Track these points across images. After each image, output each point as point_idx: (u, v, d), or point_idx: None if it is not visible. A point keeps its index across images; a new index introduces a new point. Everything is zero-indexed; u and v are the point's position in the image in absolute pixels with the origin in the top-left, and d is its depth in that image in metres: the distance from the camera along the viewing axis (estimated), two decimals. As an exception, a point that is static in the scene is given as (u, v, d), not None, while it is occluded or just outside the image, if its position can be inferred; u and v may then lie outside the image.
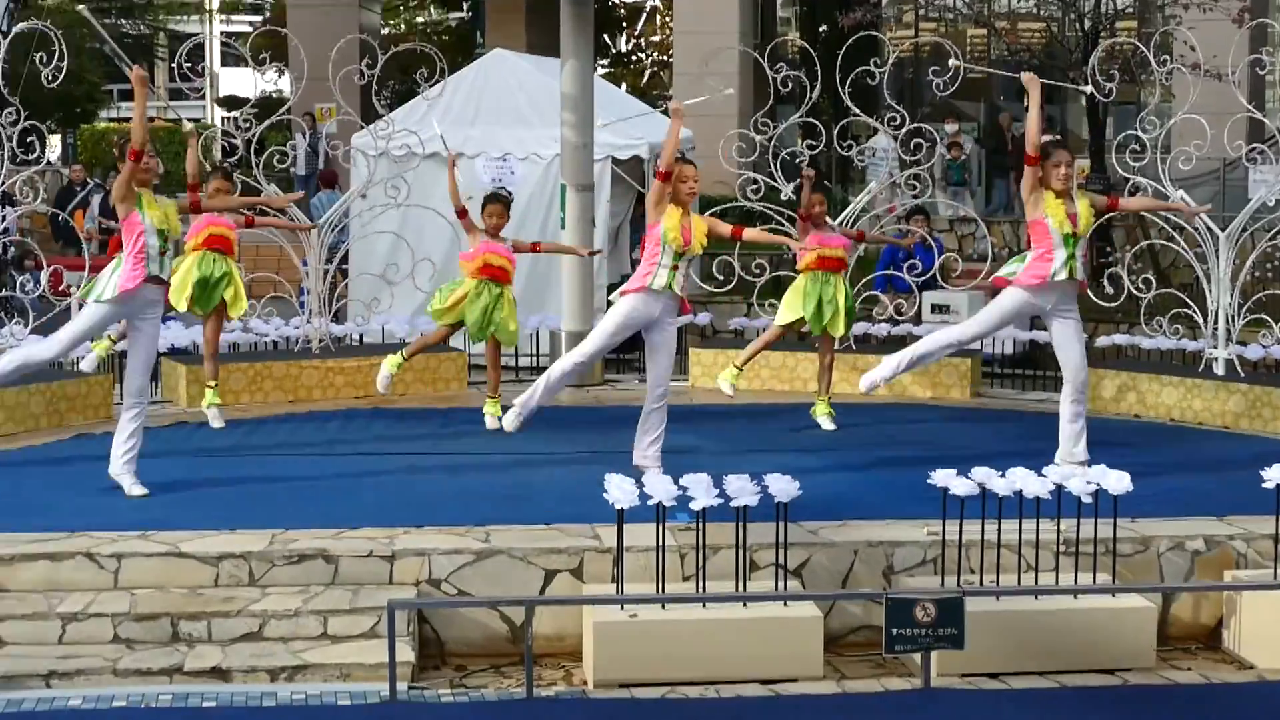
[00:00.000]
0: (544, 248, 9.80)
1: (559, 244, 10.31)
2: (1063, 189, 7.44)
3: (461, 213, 9.19)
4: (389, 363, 9.12)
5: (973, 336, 7.84)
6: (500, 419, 9.18)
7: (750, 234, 7.86)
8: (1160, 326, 10.08)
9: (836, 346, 10.00)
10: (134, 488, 7.31)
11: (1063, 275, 7.42)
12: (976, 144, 19.51)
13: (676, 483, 6.18)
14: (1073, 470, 6.58)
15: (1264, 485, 6.40)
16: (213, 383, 9.25)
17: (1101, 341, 10.81)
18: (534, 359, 11.27)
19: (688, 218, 7.43)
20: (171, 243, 7.29)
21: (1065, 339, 7.58)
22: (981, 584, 6.37)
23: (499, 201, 9.10)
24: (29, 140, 9.19)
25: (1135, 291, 9.81)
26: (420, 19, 31.88)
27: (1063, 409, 7.64)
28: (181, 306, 9.14)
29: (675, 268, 7.37)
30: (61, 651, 5.99)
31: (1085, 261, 7.58)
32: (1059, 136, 7.84)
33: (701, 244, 7.47)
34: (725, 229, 7.65)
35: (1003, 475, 6.31)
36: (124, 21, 31.84)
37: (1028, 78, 7.66)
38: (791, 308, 9.18)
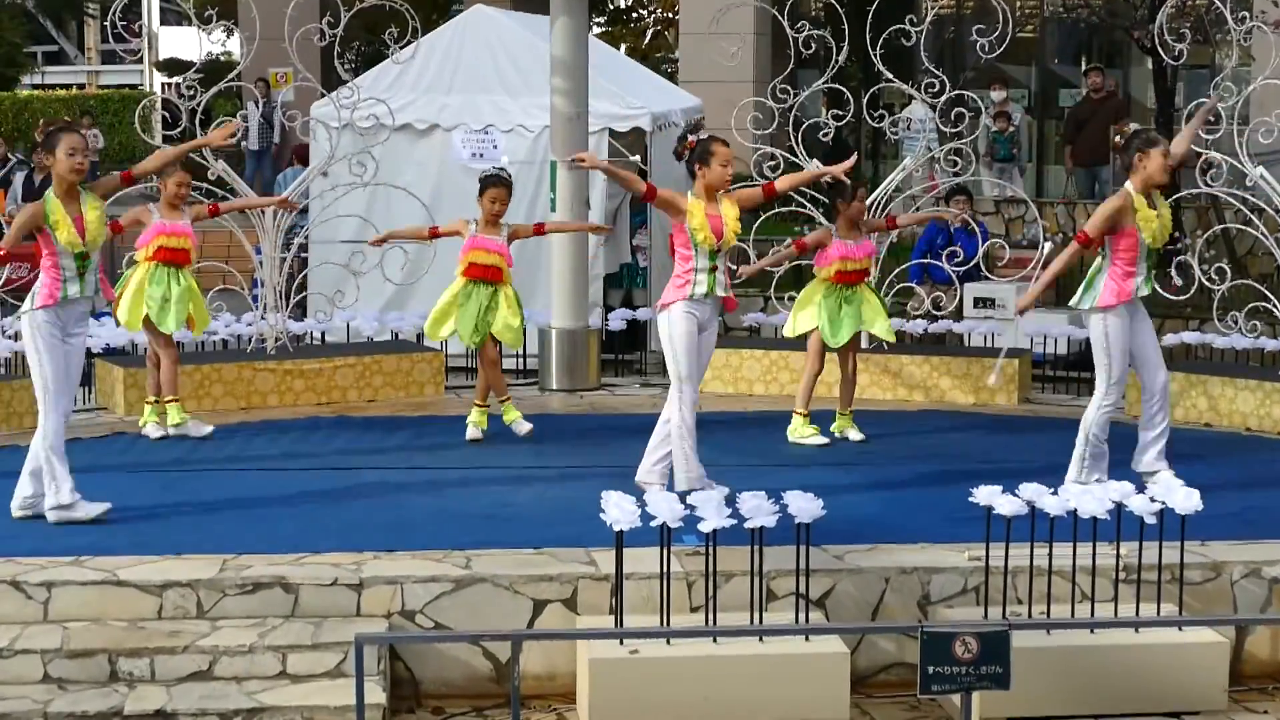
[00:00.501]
0: (549, 228, 9.79)
1: (564, 222, 10.35)
2: (1158, 184, 7.58)
3: (433, 234, 9.24)
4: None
5: (1118, 393, 7.78)
6: (484, 430, 9.28)
7: (783, 184, 7.91)
8: (1235, 323, 10.14)
9: (866, 345, 10.07)
10: (92, 508, 7.34)
11: (1145, 291, 7.66)
12: (1027, 114, 19.57)
13: (683, 501, 6.25)
14: (1134, 485, 6.63)
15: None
16: (154, 399, 9.31)
17: (1168, 340, 10.84)
18: (520, 359, 11.34)
19: (714, 204, 7.49)
20: (95, 256, 7.27)
21: (1145, 339, 7.75)
22: (1030, 616, 6.44)
23: (500, 185, 9.01)
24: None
25: (1207, 283, 9.87)
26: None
27: (1145, 418, 7.82)
28: (135, 327, 9.23)
29: (714, 268, 7.46)
30: (-16, 693, 6.05)
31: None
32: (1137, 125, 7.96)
33: (735, 231, 7.55)
34: (756, 194, 7.73)
35: (1054, 492, 6.38)
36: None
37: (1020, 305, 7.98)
38: (806, 318, 9.22)
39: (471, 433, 9.24)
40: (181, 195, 9.28)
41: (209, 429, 9.21)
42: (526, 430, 9.08)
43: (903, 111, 15.51)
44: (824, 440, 9.11)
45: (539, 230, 9.52)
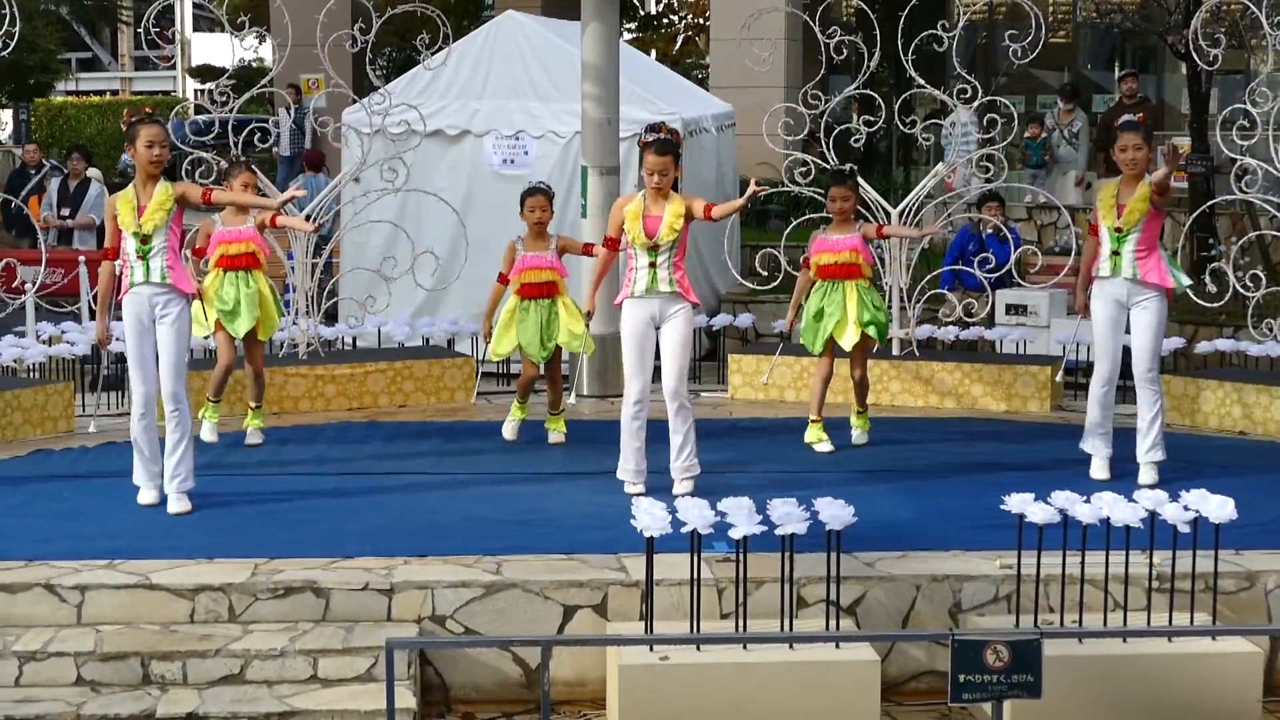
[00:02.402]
0: (595, 252, 9.46)
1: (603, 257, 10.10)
2: (1127, 174, 8.03)
3: (504, 281, 9.11)
4: (513, 412, 9.33)
5: (1108, 370, 8.25)
6: (564, 434, 9.34)
7: (718, 211, 7.79)
8: (1270, 330, 10.09)
9: (897, 351, 10.06)
10: (176, 503, 7.58)
11: (1105, 271, 8.11)
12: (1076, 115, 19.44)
13: (714, 507, 6.25)
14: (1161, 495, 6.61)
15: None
16: (255, 404, 9.32)
17: (1202, 347, 10.81)
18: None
19: (658, 205, 7.69)
20: (158, 241, 7.39)
21: (1133, 325, 8.11)
22: (1062, 624, 6.42)
23: (538, 194, 9.03)
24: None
25: (1242, 290, 9.82)
26: (420, -23, 32.10)
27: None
28: (200, 332, 9.20)
29: (652, 265, 7.68)
30: (18, 695, 6.10)
31: (1144, 258, 8.02)
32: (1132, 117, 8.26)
33: (673, 229, 7.66)
34: (698, 209, 7.72)
35: (1087, 500, 6.36)
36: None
37: None
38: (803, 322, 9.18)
39: (553, 437, 9.32)
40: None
41: (213, 438, 9.16)
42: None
43: (949, 116, 15.47)
44: (829, 448, 9.03)
45: (587, 251, 9.31)
